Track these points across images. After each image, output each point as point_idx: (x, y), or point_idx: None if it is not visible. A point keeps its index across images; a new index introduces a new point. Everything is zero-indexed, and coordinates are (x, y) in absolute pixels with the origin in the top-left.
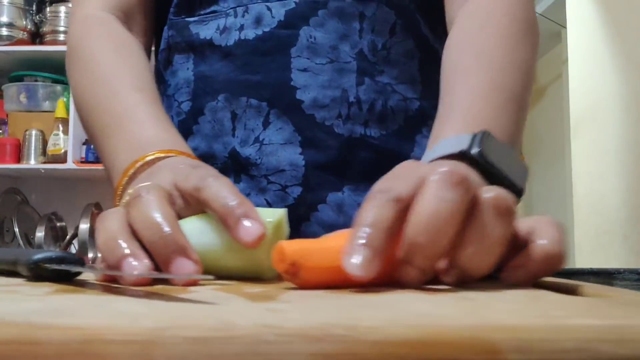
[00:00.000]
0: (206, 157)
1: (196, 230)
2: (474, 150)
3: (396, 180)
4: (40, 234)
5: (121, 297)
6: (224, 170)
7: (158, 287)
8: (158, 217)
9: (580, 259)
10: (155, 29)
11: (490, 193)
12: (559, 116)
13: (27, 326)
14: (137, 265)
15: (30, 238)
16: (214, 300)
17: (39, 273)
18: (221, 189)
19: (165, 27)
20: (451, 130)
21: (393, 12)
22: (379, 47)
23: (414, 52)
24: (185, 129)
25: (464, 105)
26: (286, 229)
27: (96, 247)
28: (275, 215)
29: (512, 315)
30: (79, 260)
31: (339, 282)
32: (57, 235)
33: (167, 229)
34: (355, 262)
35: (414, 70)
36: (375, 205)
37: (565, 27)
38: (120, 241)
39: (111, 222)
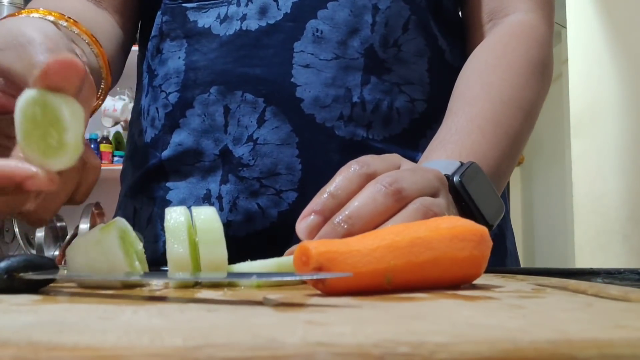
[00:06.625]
0: (192, 154)
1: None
2: (456, 179)
3: (373, 161)
4: (40, 234)
5: (125, 307)
6: (212, 168)
7: (162, 291)
8: None
9: (580, 259)
10: (146, 16)
11: (415, 205)
12: (559, 116)
13: (29, 346)
14: None
15: (30, 238)
16: (235, 309)
17: (11, 284)
18: None
19: (159, 12)
20: (444, 153)
21: (408, 7)
22: (390, 43)
23: (425, 50)
24: (172, 121)
25: (461, 134)
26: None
27: None
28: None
29: (585, 326)
30: (50, 262)
31: (364, 287)
32: (57, 235)
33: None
34: (304, 226)
35: (422, 70)
36: (344, 176)
37: (565, 27)
38: None
39: None
